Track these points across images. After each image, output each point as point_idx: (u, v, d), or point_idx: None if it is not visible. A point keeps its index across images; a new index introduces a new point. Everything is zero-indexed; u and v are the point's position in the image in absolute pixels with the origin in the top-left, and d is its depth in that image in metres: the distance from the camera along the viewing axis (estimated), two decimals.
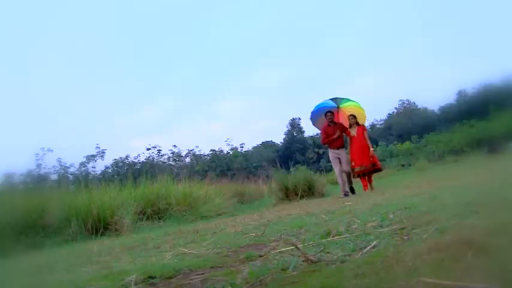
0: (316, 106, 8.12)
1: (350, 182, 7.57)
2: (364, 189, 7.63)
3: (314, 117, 8.17)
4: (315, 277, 1.26)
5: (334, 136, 7.50)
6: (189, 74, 57.38)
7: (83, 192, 5.65)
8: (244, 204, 9.86)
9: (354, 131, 7.69)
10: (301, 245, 1.78)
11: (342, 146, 7.64)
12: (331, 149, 7.67)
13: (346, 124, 7.72)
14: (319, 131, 8.58)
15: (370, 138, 7.73)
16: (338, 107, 8.03)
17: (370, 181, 7.68)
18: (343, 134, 7.68)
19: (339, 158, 7.54)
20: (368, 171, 7.61)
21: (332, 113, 7.66)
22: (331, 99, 8.10)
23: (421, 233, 1.60)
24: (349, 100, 8.05)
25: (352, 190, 7.49)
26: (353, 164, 7.60)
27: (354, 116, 7.72)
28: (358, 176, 7.70)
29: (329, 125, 7.62)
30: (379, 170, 8.05)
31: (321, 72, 61.26)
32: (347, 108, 7.98)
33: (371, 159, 7.59)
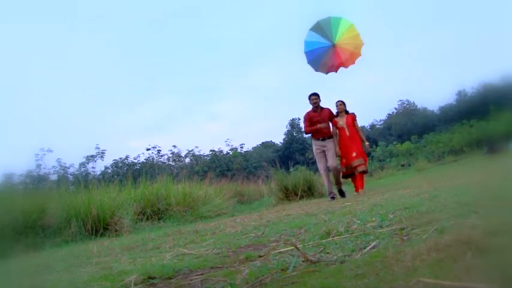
0: (307, 45, 6.45)
1: (339, 183, 6.45)
2: (356, 192, 6.45)
3: (313, 60, 6.51)
4: (314, 277, 1.26)
5: (321, 125, 6.24)
6: (189, 74, 57.44)
7: (83, 193, 5.64)
8: (244, 204, 9.86)
9: (342, 121, 6.36)
10: (301, 245, 1.78)
11: (329, 136, 6.38)
12: (315, 140, 6.40)
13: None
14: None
15: (369, 139, 6.73)
16: (334, 45, 6.28)
17: (360, 182, 6.40)
18: (330, 123, 6.46)
19: (324, 152, 6.34)
20: (352, 171, 6.34)
21: (317, 95, 6.40)
22: (318, 31, 6.28)
23: (420, 233, 1.60)
24: (340, 23, 6.23)
25: (342, 192, 6.43)
26: (343, 160, 6.45)
27: (343, 103, 6.43)
28: (346, 176, 6.56)
29: (314, 111, 6.44)
30: (364, 172, 6.45)
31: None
32: (345, 42, 6.22)
33: (364, 154, 6.39)
